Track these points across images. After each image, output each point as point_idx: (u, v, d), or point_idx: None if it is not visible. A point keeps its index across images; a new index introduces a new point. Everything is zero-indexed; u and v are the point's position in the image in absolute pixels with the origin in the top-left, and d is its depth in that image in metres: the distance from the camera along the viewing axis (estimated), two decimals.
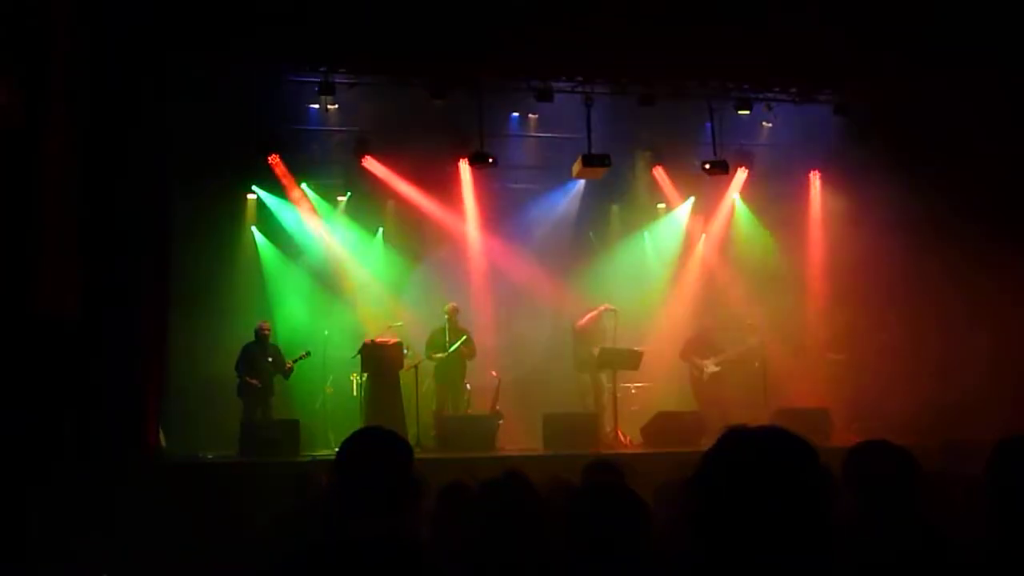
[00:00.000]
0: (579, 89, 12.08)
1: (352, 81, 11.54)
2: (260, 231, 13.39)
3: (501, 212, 13.76)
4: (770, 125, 13.06)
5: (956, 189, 11.35)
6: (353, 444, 2.66)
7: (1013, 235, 10.73)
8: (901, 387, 11.11)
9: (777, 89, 12.39)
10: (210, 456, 10.39)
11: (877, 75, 11.33)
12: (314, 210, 13.30)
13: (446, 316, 12.04)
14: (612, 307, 12.30)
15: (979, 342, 11.23)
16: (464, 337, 11.92)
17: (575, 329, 12.47)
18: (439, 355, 11.88)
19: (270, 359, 11.73)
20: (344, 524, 2.45)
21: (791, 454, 1.55)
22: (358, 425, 9.48)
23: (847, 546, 2.69)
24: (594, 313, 12.34)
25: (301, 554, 1.59)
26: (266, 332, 11.84)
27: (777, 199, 13.98)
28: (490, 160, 12.13)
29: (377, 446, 2.64)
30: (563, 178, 13.44)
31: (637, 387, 12.92)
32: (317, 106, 12.07)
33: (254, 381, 11.45)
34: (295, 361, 11.82)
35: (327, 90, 11.47)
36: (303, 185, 13.08)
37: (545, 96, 11.92)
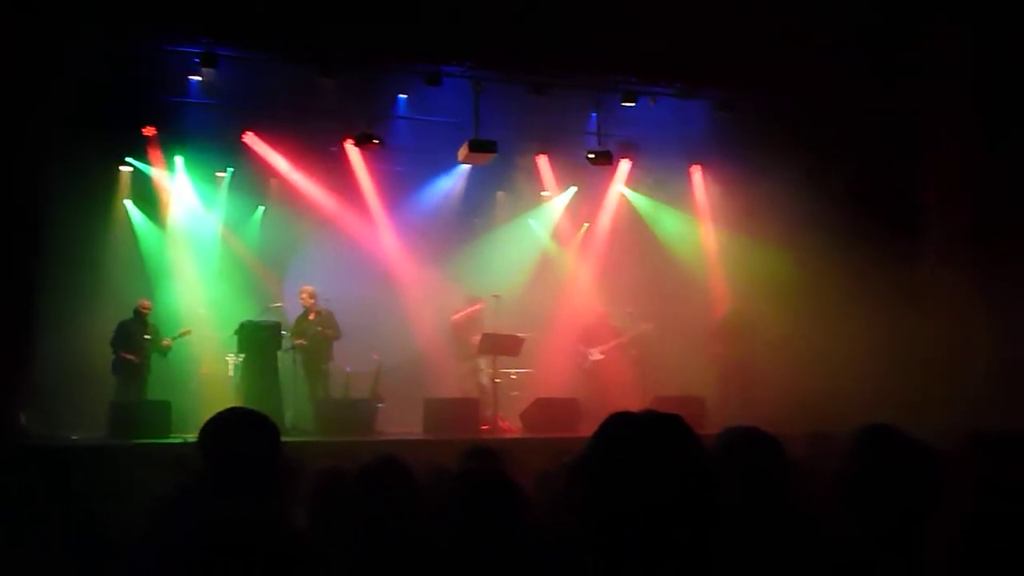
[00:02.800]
0: (468, 74, 12.05)
1: (236, 55, 11.22)
2: (136, 205, 12.94)
3: (386, 195, 13.63)
4: (654, 118, 13.29)
5: (833, 187, 11.76)
6: (214, 425, 2.58)
7: (887, 232, 11.19)
8: (776, 379, 11.49)
9: (662, 83, 12.62)
10: (75, 437, 10.01)
11: (756, 75, 11.66)
12: (192, 185, 12.92)
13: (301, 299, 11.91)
14: (484, 301, 12.34)
15: (853, 337, 11.70)
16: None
17: (451, 323, 12.53)
18: (300, 341, 11.72)
19: (147, 337, 11.35)
20: (207, 507, 2.38)
21: (674, 438, 1.57)
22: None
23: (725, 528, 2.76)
24: (470, 310, 12.39)
25: (163, 539, 1.55)
26: (145, 311, 11.44)
27: (660, 191, 14.31)
28: (376, 142, 12.00)
29: (239, 427, 2.57)
30: (449, 163, 13.40)
31: (517, 373, 13.01)
32: (199, 78, 11.71)
33: (130, 356, 11.07)
34: (174, 339, 11.46)
35: (209, 62, 11.13)
36: (180, 159, 12.69)
37: (434, 80, 11.85)
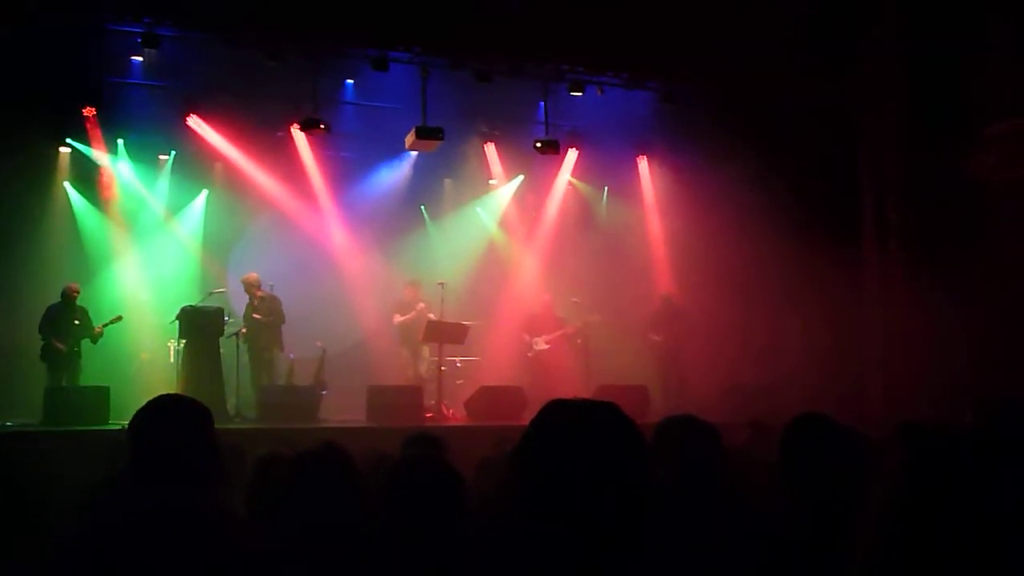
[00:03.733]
0: (416, 60, 11.99)
1: (178, 35, 11.03)
2: (76, 188, 12.68)
3: (332, 180, 13.51)
4: (601, 109, 13.35)
5: (776, 182, 11.92)
6: (146, 411, 2.55)
7: (828, 228, 11.39)
8: (717, 369, 11.64)
9: (610, 73, 12.68)
10: (9, 424, 9.81)
11: (700, 67, 11.80)
12: (133, 168, 12.71)
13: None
14: (424, 306, 12.28)
15: (791, 327, 11.91)
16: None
17: (393, 324, 12.42)
18: (243, 329, 11.60)
19: (77, 322, 11.09)
20: (138, 495, 2.35)
21: (609, 424, 1.59)
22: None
23: (660, 514, 2.80)
24: (412, 315, 12.26)
25: (92, 527, 1.52)
26: (74, 294, 11.16)
27: (606, 181, 14.40)
28: (322, 127, 11.89)
29: (169, 414, 2.53)
30: (396, 149, 13.33)
31: (463, 361, 13.01)
32: (141, 59, 11.50)
33: (60, 345, 10.83)
34: (105, 325, 11.23)
35: (151, 42, 10.93)
36: (122, 141, 12.46)
37: (381, 65, 11.78)
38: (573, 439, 1.54)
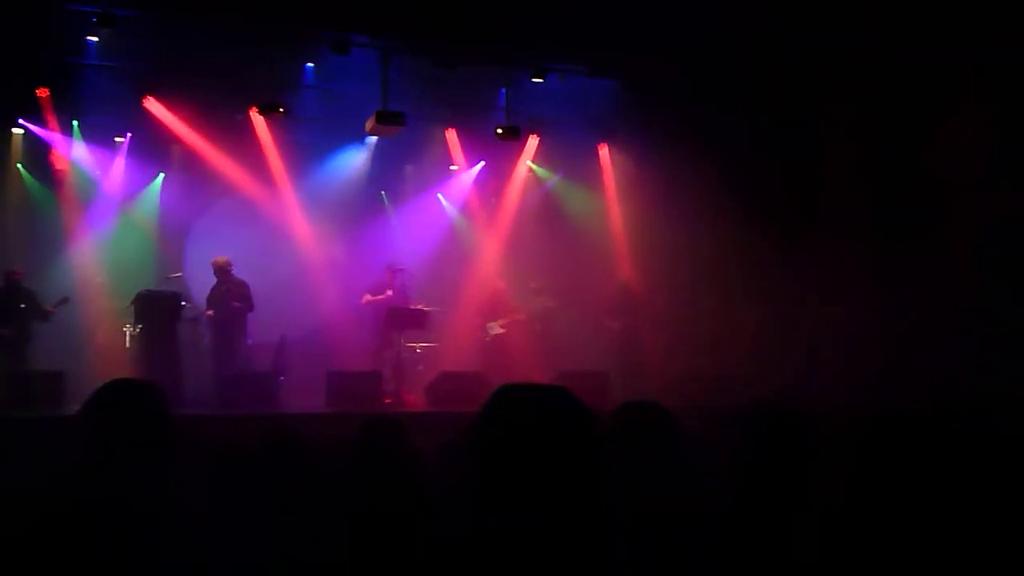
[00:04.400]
0: (377, 44, 11.92)
1: (135, 15, 10.87)
2: (28, 169, 12.48)
3: (292, 165, 13.42)
4: (563, 96, 13.36)
5: (734, 172, 12.00)
6: (97, 395, 2.53)
7: (784, 218, 11.51)
8: (673, 355, 11.75)
9: (571, 61, 12.69)
10: None
11: (660, 56, 11.86)
12: (89, 150, 12.53)
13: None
14: (402, 267, 12.29)
15: (746, 314, 12.02)
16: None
17: (362, 304, 12.35)
18: (208, 312, 11.49)
19: (23, 305, 10.90)
20: (86, 479, 2.33)
21: (560, 408, 1.60)
22: None
23: (610, 497, 2.84)
24: (380, 297, 12.19)
25: (44, 514, 1.52)
26: (16, 277, 10.96)
27: (567, 168, 14.44)
28: (281, 110, 11.79)
29: (123, 398, 2.51)
30: (357, 134, 13.26)
31: (423, 347, 12.99)
32: (97, 39, 11.32)
33: (5, 331, 10.65)
34: (54, 307, 11.06)
35: (107, 22, 10.75)
36: (76, 123, 12.28)
37: (341, 49, 11.70)
38: (523, 423, 1.56)
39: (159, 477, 2.47)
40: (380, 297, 12.14)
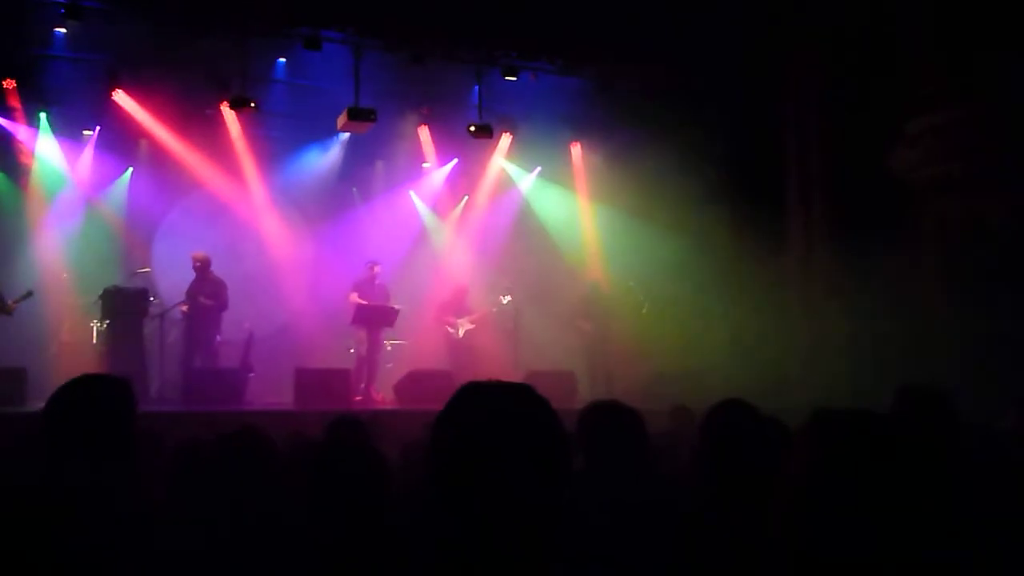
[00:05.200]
0: (349, 40, 11.86)
1: (102, 7, 10.74)
2: None
3: (262, 160, 13.33)
4: (536, 94, 13.36)
5: (706, 173, 12.03)
6: (62, 391, 2.49)
7: (756, 221, 11.56)
8: (643, 356, 11.77)
9: (543, 60, 12.71)
10: None
11: (631, 57, 11.91)
12: (56, 143, 12.38)
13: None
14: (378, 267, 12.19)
15: (717, 316, 12.09)
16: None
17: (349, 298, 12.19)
18: (183, 307, 11.37)
19: None
20: (45, 474, 2.28)
21: (523, 407, 1.59)
22: None
23: (576, 497, 2.83)
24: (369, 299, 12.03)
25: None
26: None
27: (539, 166, 14.45)
28: (252, 105, 11.70)
29: (85, 394, 2.47)
30: (328, 130, 13.18)
31: (392, 344, 12.94)
32: (64, 31, 11.18)
33: None
34: (16, 301, 10.87)
35: (74, 14, 10.63)
36: (44, 115, 12.13)
37: (313, 44, 11.64)
38: (486, 422, 1.54)
39: (123, 474, 2.44)
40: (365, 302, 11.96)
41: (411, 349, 13.07)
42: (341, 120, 12.16)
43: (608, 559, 2.52)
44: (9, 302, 10.80)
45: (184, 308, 11.31)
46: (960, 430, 3.81)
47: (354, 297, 11.85)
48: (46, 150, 12.43)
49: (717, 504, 2.77)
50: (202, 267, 11.37)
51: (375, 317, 11.77)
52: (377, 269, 12.04)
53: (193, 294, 11.32)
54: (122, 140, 12.78)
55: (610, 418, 3.39)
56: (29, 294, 10.93)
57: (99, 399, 2.51)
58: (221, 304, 11.39)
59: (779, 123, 12.33)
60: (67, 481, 2.08)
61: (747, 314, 11.67)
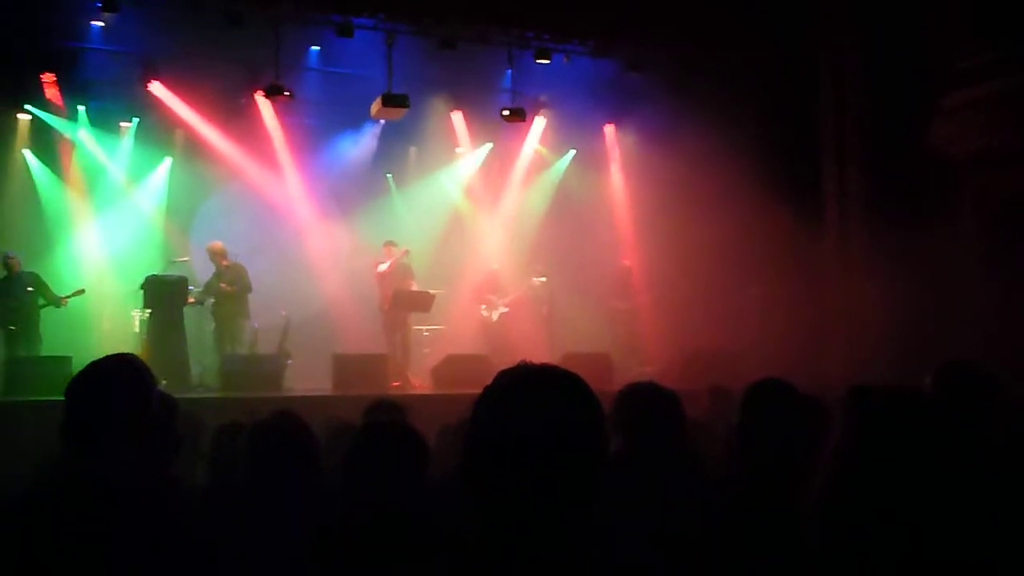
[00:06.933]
0: (381, 26, 11.86)
1: None
2: (36, 155, 12.49)
3: (297, 148, 13.39)
4: (569, 76, 13.29)
5: (738, 149, 11.93)
6: (83, 375, 2.48)
7: (792, 199, 11.46)
8: (679, 335, 11.72)
9: (576, 41, 12.63)
10: None
11: (665, 37, 11.81)
12: (95, 135, 12.53)
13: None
14: (405, 249, 12.28)
15: (753, 294, 12.00)
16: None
17: (376, 275, 12.30)
18: (209, 298, 11.50)
19: (29, 288, 10.86)
20: (73, 461, 2.30)
21: (562, 390, 1.58)
22: None
23: (614, 481, 2.83)
24: (393, 260, 12.19)
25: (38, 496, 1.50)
26: (10, 261, 10.81)
27: (573, 148, 14.40)
28: (287, 93, 11.75)
29: (106, 378, 2.46)
30: (362, 117, 13.21)
31: (430, 329, 12.99)
32: (101, 24, 11.29)
33: (12, 327, 10.65)
34: (68, 297, 11.04)
35: (111, 7, 10.73)
36: (82, 108, 12.28)
37: (345, 31, 11.65)
38: (524, 406, 1.54)
39: (152, 456, 2.44)
40: (394, 257, 12.12)
41: (447, 334, 13.10)
42: (375, 107, 12.18)
43: (648, 541, 2.52)
44: (61, 298, 10.97)
45: (191, 300, 11.38)
46: (1004, 408, 3.76)
47: (381, 267, 11.97)
48: (86, 142, 12.57)
49: (757, 484, 2.75)
50: (216, 257, 11.48)
51: (412, 302, 11.85)
52: (393, 248, 12.13)
53: (212, 284, 11.48)
54: (159, 131, 12.89)
55: (649, 400, 3.38)
56: (81, 291, 11.12)
57: (114, 381, 2.49)
58: (244, 287, 11.51)
59: (815, 100, 12.18)
60: (91, 465, 2.09)
61: (781, 292, 11.58)
